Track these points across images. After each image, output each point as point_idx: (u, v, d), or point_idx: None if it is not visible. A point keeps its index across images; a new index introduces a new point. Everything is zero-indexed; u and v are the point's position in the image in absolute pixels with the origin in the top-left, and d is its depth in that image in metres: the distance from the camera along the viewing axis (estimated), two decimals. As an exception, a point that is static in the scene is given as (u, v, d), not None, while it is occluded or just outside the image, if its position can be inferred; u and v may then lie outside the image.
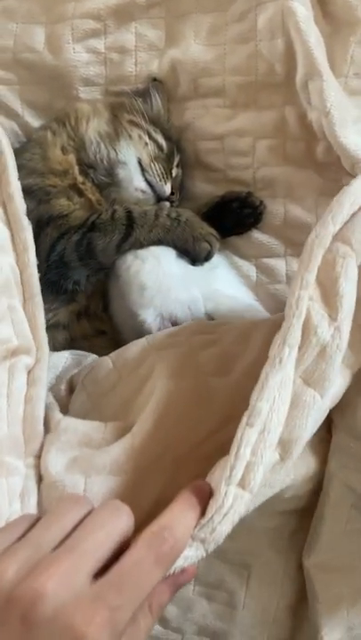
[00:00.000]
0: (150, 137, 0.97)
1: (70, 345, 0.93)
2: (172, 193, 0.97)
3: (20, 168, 0.91)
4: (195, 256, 0.88)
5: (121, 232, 0.86)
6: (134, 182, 0.94)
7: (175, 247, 0.87)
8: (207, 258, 0.89)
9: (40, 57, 0.98)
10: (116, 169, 0.95)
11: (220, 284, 0.91)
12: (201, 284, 0.88)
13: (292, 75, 0.91)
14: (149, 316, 0.83)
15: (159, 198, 0.95)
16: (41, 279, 0.86)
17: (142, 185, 0.94)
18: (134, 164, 0.95)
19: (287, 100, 0.93)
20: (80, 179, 0.94)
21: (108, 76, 0.99)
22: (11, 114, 1.02)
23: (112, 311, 0.94)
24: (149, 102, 1.00)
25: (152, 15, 0.97)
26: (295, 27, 0.87)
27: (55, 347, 0.91)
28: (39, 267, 0.86)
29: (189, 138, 0.99)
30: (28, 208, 0.87)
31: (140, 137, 0.97)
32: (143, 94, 0.99)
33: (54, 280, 0.89)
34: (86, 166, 0.96)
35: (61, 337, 0.93)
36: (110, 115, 0.99)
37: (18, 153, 0.96)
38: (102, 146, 0.96)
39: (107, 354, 0.81)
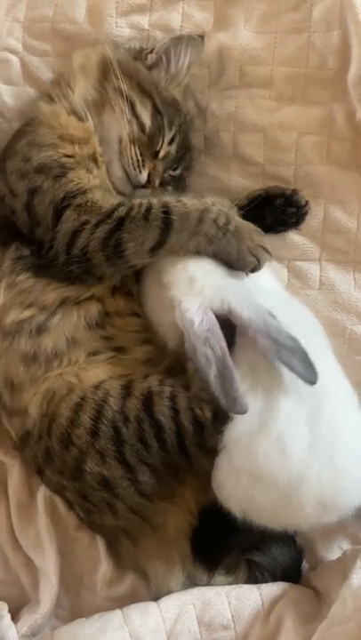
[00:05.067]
0: (133, 112, 0.84)
1: (104, 320, 0.83)
2: (149, 181, 0.84)
3: (31, 145, 0.82)
4: (237, 268, 0.79)
5: (155, 236, 0.75)
6: (112, 167, 0.84)
7: (215, 257, 0.78)
8: (252, 271, 0.79)
9: (79, 29, 0.93)
10: (100, 146, 0.84)
11: (263, 281, 0.84)
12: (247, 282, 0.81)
13: (344, 70, 0.87)
14: (193, 305, 0.74)
15: (135, 186, 0.85)
16: (60, 269, 0.79)
17: (119, 171, 0.84)
18: (115, 145, 0.84)
19: (336, 96, 0.89)
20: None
21: (149, 56, 0.93)
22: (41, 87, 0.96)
23: (147, 310, 0.85)
24: (170, 60, 0.88)
25: (202, -4, 0.92)
26: (354, 19, 0.84)
27: (88, 322, 0.82)
28: (58, 257, 0.79)
29: (229, 128, 0.94)
30: (42, 189, 0.79)
31: (122, 112, 0.83)
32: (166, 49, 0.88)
33: (77, 274, 0.80)
34: None
35: (94, 310, 0.82)
36: (99, 75, 0.86)
37: (29, 130, 0.85)
38: (89, 116, 0.84)
39: (137, 340, 0.78)
